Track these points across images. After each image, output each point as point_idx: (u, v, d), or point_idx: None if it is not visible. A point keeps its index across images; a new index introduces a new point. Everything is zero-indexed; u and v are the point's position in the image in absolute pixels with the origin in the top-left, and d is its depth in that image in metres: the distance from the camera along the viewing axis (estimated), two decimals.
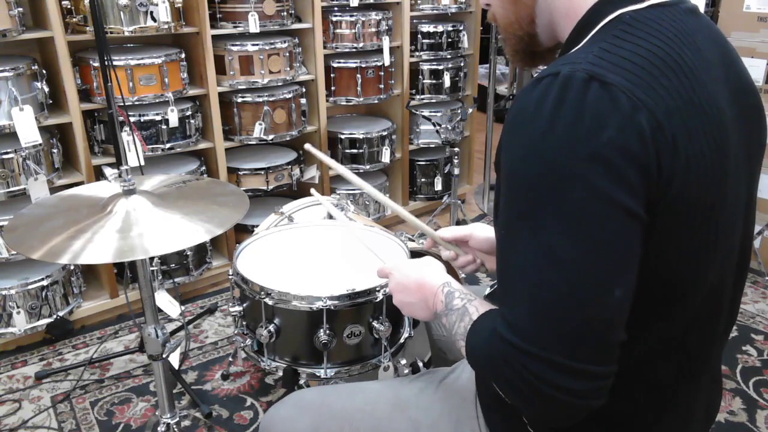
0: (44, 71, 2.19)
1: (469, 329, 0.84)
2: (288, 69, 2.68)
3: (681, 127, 0.71)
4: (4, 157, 2.09)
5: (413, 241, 1.79)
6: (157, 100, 2.38)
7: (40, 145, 2.14)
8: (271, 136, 2.71)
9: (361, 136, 3.05)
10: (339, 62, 2.93)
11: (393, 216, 3.29)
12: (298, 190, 2.86)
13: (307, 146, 1.42)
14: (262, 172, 2.76)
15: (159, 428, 1.48)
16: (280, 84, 2.69)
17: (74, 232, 1.16)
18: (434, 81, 3.24)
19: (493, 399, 0.96)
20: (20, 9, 2.07)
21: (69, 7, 2.17)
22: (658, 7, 0.77)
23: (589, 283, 0.69)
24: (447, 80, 3.23)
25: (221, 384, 2.14)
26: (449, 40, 3.20)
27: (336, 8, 2.88)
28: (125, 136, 2.20)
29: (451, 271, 1.20)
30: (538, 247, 0.70)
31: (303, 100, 2.81)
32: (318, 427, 1.09)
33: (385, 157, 3.14)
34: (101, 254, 1.12)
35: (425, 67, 3.20)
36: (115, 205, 1.23)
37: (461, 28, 3.24)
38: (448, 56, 3.24)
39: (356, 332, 1.46)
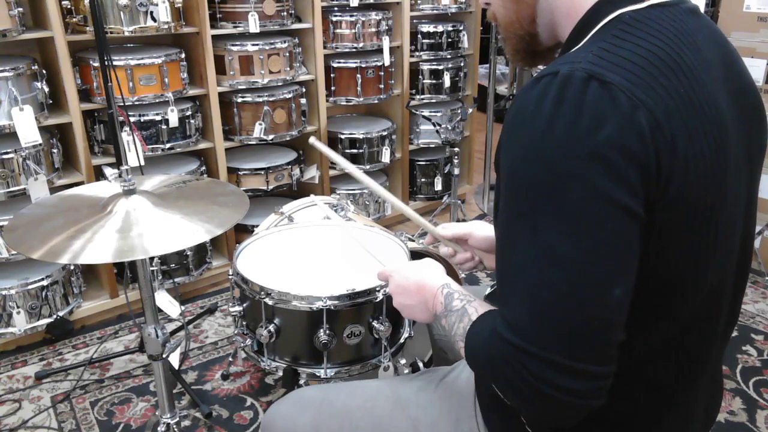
0: (44, 71, 2.19)
1: (468, 330, 0.84)
2: (288, 69, 2.68)
3: (680, 126, 0.71)
4: (4, 157, 2.09)
5: (413, 241, 1.79)
6: (157, 100, 2.38)
7: (40, 145, 2.14)
8: (271, 136, 2.71)
9: (361, 136, 3.05)
10: (339, 62, 2.93)
11: (393, 216, 3.29)
12: (298, 190, 2.86)
13: (312, 140, 1.42)
14: (262, 172, 2.76)
15: (159, 428, 1.48)
16: (280, 84, 2.69)
17: (74, 232, 1.16)
18: (434, 81, 3.24)
19: (492, 399, 0.96)
20: (20, 9, 2.07)
21: (69, 7, 2.17)
22: (658, 7, 0.77)
23: (589, 283, 0.69)
24: (447, 80, 3.23)
25: (221, 384, 2.14)
26: (449, 40, 3.20)
27: (336, 8, 2.88)
28: (125, 136, 2.20)
29: (451, 272, 1.20)
30: (537, 246, 0.70)
31: (303, 100, 2.81)
32: (318, 425, 1.09)
33: (385, 157, 3.14)
34: (101, 254, 1.12)
35: (425, 67, 3.20)
36: (115, 205, 1.23)
37: (461, 28, 3.24)
38: (448, 56, 3.23)
39: (356, 332, 1.46)
